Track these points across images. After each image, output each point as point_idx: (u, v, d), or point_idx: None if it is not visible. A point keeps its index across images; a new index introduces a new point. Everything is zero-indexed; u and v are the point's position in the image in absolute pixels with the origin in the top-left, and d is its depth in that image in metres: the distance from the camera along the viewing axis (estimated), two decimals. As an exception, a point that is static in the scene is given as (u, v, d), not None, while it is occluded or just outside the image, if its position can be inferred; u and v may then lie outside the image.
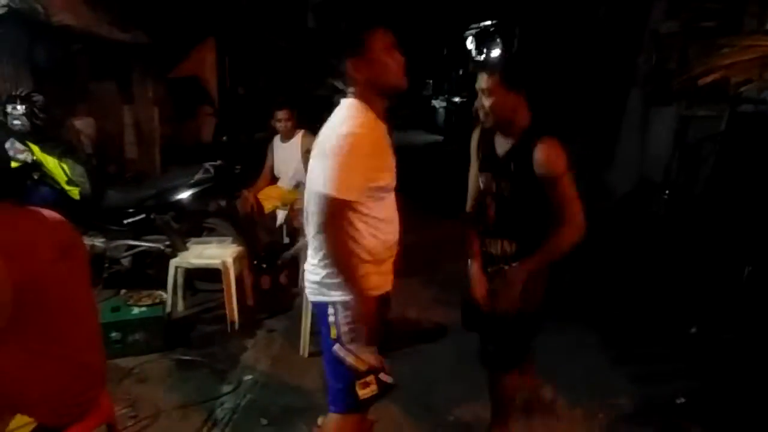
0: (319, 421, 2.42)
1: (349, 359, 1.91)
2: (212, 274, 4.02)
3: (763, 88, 2.92)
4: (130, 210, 4.17)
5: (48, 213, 1.79)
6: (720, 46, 2.47)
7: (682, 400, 3.10)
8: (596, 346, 3.78)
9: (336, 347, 1.94)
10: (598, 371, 3.45)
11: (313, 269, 1.98)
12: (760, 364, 3.26)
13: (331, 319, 1.95)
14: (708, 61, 2.32)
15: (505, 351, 2.43)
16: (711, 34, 4.55)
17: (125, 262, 4.18)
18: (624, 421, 2.96)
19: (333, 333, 1.96)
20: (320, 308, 2.00)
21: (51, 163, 3.95)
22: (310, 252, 2.01)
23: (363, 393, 1.94)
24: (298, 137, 4.71)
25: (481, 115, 2.28)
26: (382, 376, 1.97)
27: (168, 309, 3.72)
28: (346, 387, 1.96)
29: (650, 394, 3.21)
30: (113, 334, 3.35)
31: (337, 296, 1.92)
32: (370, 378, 1.94)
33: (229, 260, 3.81)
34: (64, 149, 4.04)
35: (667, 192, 5.39)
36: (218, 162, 4.17)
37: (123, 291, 4.01)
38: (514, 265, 2.27)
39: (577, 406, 3.01)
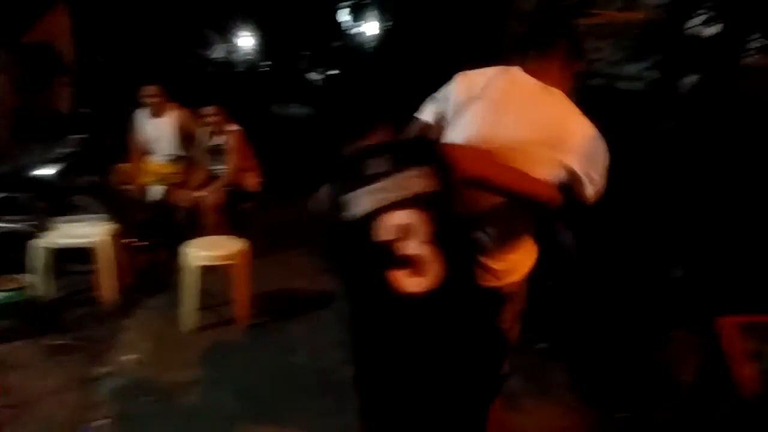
0: None
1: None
2: (81, 255, 3.81)
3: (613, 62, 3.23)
4: (-15, 189, 3.82)
5: None
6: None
7: (544, 345, 3.45)
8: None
9: None
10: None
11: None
12: (606, 307, 3.69)
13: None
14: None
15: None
16: (570, 12, 4.94)
17: (-19, 245, 3.83)
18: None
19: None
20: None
21: None
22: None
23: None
24: (172, 114, 4.61)
25: None
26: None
27: (35, 292, 3.50)
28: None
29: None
30: (-26, 322, 3.11)
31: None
32: None
33: (103, 238, 3.64)
34: None
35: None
36: (84, 135, 3.92)
37: (-21, 277, 3.69)
38: None
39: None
